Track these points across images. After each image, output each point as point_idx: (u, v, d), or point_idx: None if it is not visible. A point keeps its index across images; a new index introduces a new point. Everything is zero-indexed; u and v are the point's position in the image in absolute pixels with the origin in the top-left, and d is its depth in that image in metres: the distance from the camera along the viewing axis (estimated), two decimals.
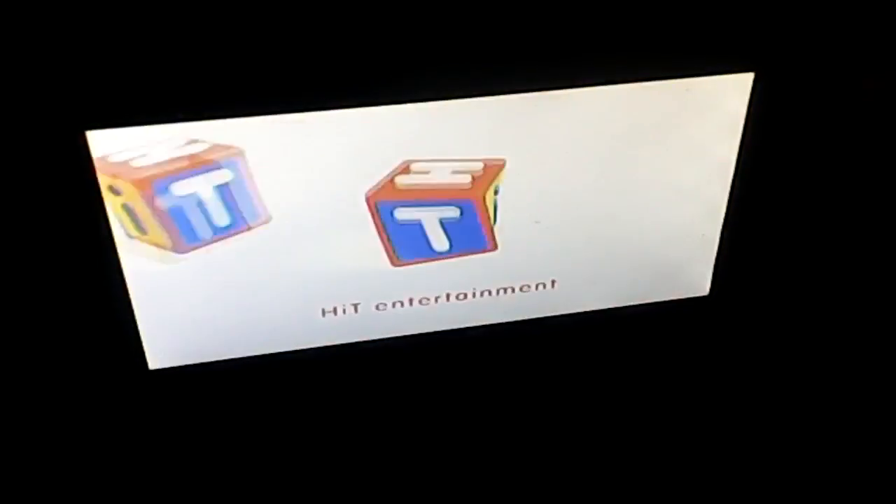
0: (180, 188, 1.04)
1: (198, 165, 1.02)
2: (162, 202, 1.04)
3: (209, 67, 1.00)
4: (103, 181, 1.01)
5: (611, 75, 1.08)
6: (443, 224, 1.14)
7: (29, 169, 1.02)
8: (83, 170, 1.00)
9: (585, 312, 1.29)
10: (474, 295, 1.23)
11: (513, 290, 1.24)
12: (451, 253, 1.17)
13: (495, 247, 1.18)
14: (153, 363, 1.18)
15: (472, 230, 1.16)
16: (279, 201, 1.08)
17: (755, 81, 1.12)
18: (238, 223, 1.08)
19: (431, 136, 1.08)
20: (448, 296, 1.22)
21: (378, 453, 1.27)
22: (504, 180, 1.12)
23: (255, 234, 1.09)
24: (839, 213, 1.31)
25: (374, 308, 1.20)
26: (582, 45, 1.08)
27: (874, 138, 1.25)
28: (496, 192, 1.13)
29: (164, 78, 0.99)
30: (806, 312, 1.39)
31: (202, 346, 1.18)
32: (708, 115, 1.15)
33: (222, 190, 1.05)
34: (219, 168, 1.03)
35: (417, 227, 1.14)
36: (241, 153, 1.03)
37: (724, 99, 1.14)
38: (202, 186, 1.04)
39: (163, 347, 1.17)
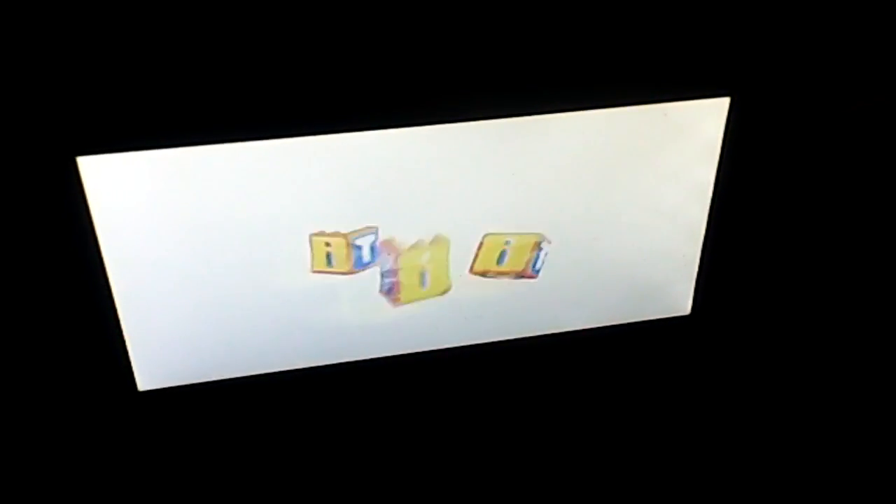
0: None
1: None
2: None
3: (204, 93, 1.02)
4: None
5: (589, 101, 1.10)
6: None
7: (21, 193, 1.03)
8: (74, 194, 1.01)
9: (568, 332, 1.31)
10: (461, 315, 1.25)
11: (494, 311, 1.26)
12: None
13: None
14: (142, 385, 1.19)
15: None
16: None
17: (731, 105, 1.15)
18: None
19: (416, 161, 1.10)
20: (437, 316, 1.24)
21: (369, 472, 1.27)
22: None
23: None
24: (816, 233, 1.33)
25: (362, 328, 1.22)
26: (560, 72, 1.10)
27: (849, 159, 1.27)
28: None
29: (159, 105, 1.02)
30: (786, 330, 1.41)
31: (191, 367, 1.20)
32: (686, 139, 1.17)
33: None
34: None
35: None
36: None
37: (702, 122, 1.16)
38: None
39: (152, 369, 1.18)
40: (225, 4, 0.98)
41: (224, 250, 1.10)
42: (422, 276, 1.19)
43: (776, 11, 1.12)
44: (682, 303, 1.33)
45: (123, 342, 1.14)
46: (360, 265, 1.16)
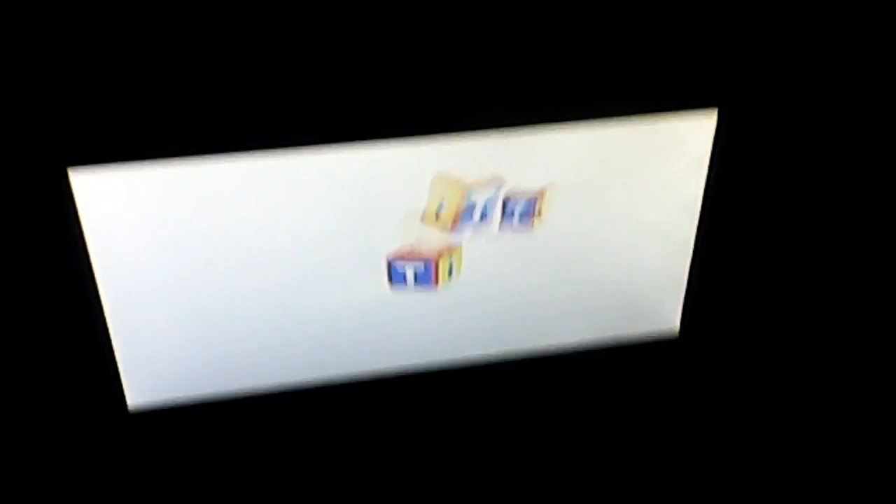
0: None
1: None
2: None
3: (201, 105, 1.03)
4: None
5: (577, 116, 1.11)
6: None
7: (12, 205, 1.04)
8: (66, 207, 1.02)
9: (555, 349, 1.31)
10: (445, 331, 1.25)
11: (483, 327, 1.26)
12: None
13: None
14: (133, 401, 1.18)
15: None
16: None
17: (719, 120, 1.16)
18: None
19: (401, 174, 1.11)
20: (423, 331, 1.24)
21: (361, 491, 1.27)
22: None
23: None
24: (806, 249, 1.34)
25: (360, 342, 1.23)
26: (548, 87, 1.11)
27: (837, 174, 1.28)
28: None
29: (154, 118, 1.02)
30: (774, 347, 1.41)
31: (182, 383, 1.19)
32: (673, 154, 1.18)
33: None
34: None
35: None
36: None
37: (689, 138, 1.17)
38: None
39: (142, 385, 1.18)
40: (221, 13, 0.99)
41: (217, 266, 1.11)
42: None
43: (764, 26, 1.14)
44: (670, 320, 1.33)
45: (114, 358, 1.14)
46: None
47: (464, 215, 1.15)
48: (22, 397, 1.18)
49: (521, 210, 1.16)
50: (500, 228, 1.17)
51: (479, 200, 1.14)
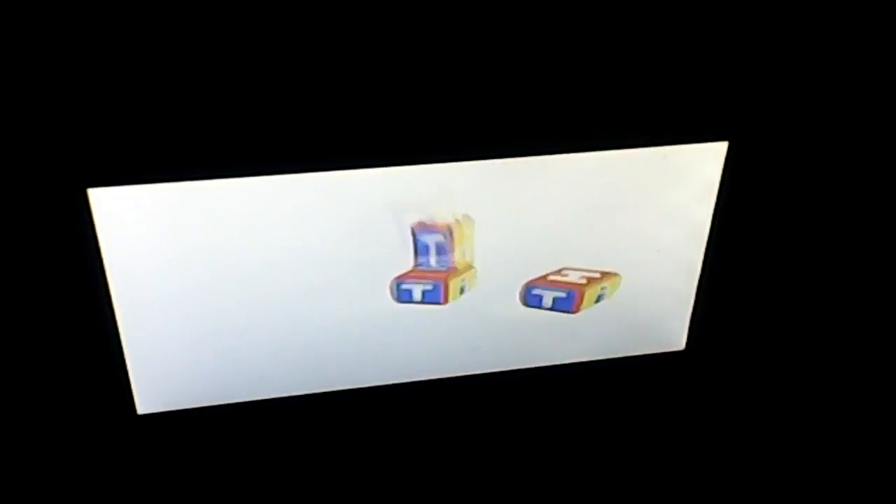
0: None
1: None
2: None
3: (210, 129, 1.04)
4: None
5: (593, 143, 1.13)
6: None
7: (31, 222, 1.05)
8: (84, 225, 1.04)
9: (563, 365, 1.32)
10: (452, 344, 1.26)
11: (491, 343, 1.27)
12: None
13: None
14: (142, 409, 1.20)
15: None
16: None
17: (729, 150, 1.17)
18: None
19: (415, 198, 1.12)
20: (427, 346, 1.25)
21: (364, 498, 1.28)
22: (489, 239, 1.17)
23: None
24: (810, 273, 1.34)
25: (366, 354, 1.24)
26: (566, 115, 1.12)
27: (841, 201, 1.29)
28: None
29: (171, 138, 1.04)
30: (780, 367, 1.42)
31: (191, 393, 1.21)
32: (684, 181, 1.19)
33: None
34: None
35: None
36: None
37: (700, 165, 1.19)
38: None
39: (152, 393, 1.19)
40: (240, 35, 1.00)
41: (225, 280, 1.12)
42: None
43: (774, 61, 1.14)
44: (676, 338, 1.34)
45: (125, 367, 1.15)
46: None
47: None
48: (36, 403, 1.19)
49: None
50: None
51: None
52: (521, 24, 1.06)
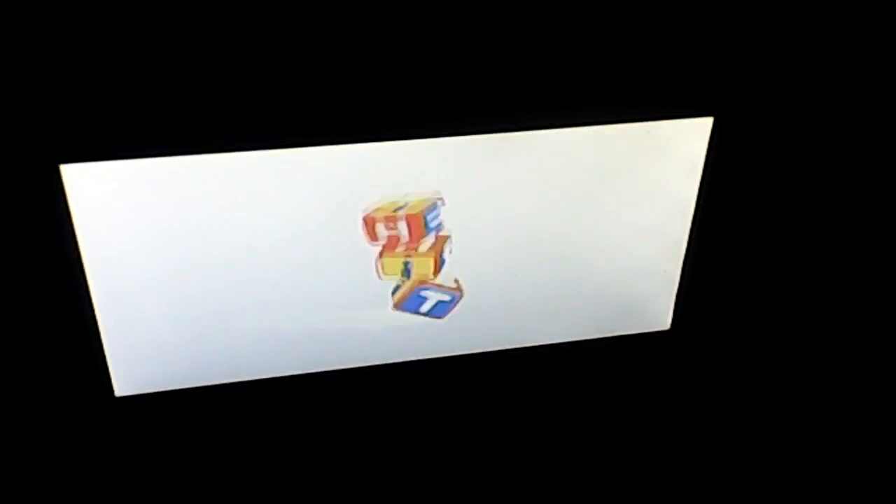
0: None
1: None
2: None
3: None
4: None
5: (575, 118, 1.12)
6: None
7: (2, 199, 1.03)
8: (57, 202, 1.01)
9: (549, 345, 1.31)
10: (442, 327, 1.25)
11: (476, 323, 1.26)
12: None
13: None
14: (119, 391, 1.18)
15: None
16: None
17: (714, 125, 1.17)
18: None
19: (401, 174, 1.11)
20: (415, 327, 1.24)
21: (349, 482, 1.28)
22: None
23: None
24: (796, 249, 1.34)
25: (346, 335, 1.23)
26: (547, 90, 1.11)
27: (828, 178, 1.29)
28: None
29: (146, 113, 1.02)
30: (765, 345, 1.43)
31: (169, 374, 1.19)
32: (669, 157, 1.18)
33: None
34: None
35: None
36: None
37: (685, 141, 1.18)
38: None
39: (129, 374, 1.18)
40: (212, 11, 0.98)
41: (203, 259, 1.11)
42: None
43: (759, 36, 1.14)
44: (662, 317, 1.34)
45: (102, 349, 1.14)
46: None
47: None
48: (12, 386, 1.18)
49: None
50: None
51: None
52: None
